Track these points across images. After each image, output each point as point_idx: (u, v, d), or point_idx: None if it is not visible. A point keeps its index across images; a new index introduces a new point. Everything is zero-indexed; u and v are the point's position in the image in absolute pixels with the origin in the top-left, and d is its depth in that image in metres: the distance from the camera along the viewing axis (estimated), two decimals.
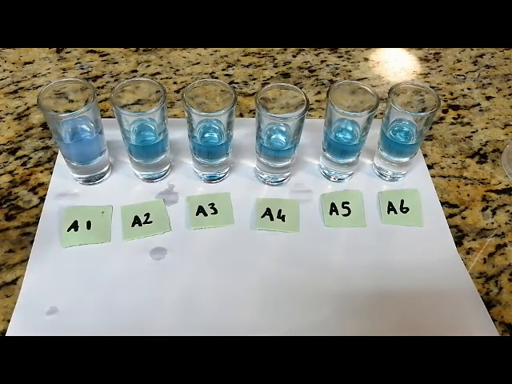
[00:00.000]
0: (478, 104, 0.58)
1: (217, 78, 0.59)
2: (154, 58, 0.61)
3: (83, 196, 0.46)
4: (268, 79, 0.60)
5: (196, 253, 0.43)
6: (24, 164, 0.49)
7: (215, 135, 0.45)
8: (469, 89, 0.60)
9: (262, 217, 0.45)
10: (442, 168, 0.51)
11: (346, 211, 0.46)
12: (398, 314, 0.39)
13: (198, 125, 0.43)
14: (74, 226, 0.43)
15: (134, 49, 0.62)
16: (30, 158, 0.49)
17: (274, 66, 0.61)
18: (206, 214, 0.45)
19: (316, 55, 0.63)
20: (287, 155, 0.45)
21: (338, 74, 0.61)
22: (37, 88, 0.57)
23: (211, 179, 0.48)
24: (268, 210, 0.45)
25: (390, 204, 0.47)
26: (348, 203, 0.46)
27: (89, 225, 0.43)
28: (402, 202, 0.47)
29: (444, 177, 0.50)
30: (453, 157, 0.52)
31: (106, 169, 0.47)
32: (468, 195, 0.48)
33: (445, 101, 0.58)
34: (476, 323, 0.39)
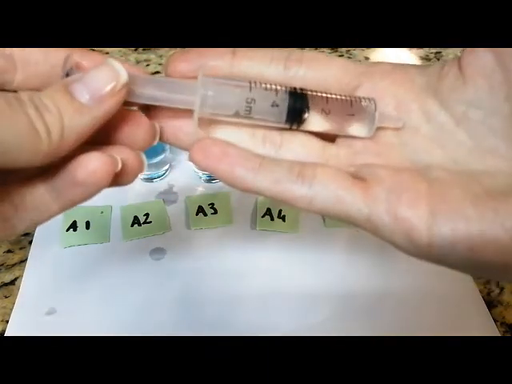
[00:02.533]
0: None
1: None
2: (154, 57, 0.61)
3: None
4: None
5: (196, 253, 0.42)
6: None
7: None
8: None
9: (263, 217, 0.45)
10: None
11: None
12: (399, 313, 0.39)
13: None
14: (73, 226, 0.43)
15: (133, 48, 0.62)
16: None
17: None
18: (205, 214, 0.45)
19: None
20: None
21: None
22: None
23: (211, 179, 0.47)
24: (268, 209, 0.45)
25: None
26: None
27: (88, 225, 0.43)
28: None
29: None
30: None
31: None
32: None
33: None
34: (477, 323, 0.39)
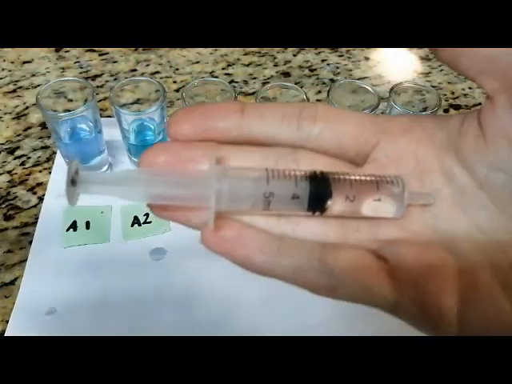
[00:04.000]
0: (480, 103, 0.58)
1: (217, 77, 0.59)
2: (154, 57, 0.61)
3: (82, 196, 0.46)
4: (268, 78, 0.59)
5: (196, 253, 0.42)
6: (23, 164, 0.49)
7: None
8: (470, 88, 0.59)
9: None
10: None
11: None
12: None
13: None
14: (73, 226, 0.43)
15: (133, 48, 0.62)
16: (29, 157, 0.49)
17: (275, 65, 0.61)
18: None
19: (316, 54, 0.63)
20: None
21: (338, 73, 0.61)
22: (36, 87, 0.56)
23: None
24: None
25: None
26: None
27: (88, 225, 0.43)
28: None
29: None
30: None
31: (105, 168, 0.47)
32: None
33: (446, 100, 0.58)
34: None
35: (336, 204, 0.21)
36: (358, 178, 0.21)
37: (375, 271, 0.19)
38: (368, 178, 0.21)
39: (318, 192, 0.20)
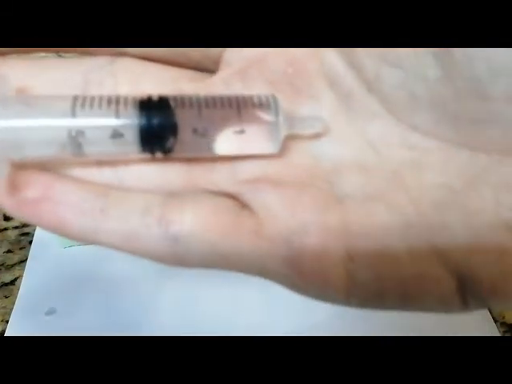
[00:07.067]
0: None
1: None
2: None
3: None
4: None
5: None
6: None
7: None
8: None
9: None
10: None
11: None
12: (399, 313, 0.39)
13: None
14: None
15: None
16: None
17: None
18: None
19: None
20: None
21: None
22: None
23: None
24: None
25: None
26: None
27: None
28: None
29: None
30: None
31: None
32: None
33: None
34: (477, 323, 0.39)
35: (181, 144, 0.15)
36: (210, 100, 0.15)
37: (234, 230, 0.14)
38: (225, 99, 0.15)
39: (149, 128, 0.14)
